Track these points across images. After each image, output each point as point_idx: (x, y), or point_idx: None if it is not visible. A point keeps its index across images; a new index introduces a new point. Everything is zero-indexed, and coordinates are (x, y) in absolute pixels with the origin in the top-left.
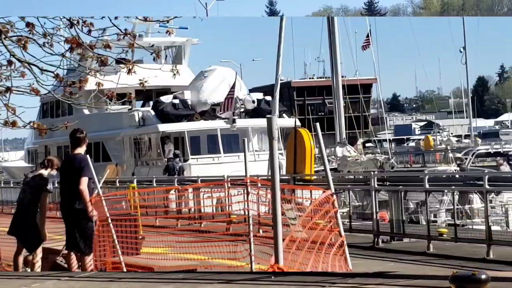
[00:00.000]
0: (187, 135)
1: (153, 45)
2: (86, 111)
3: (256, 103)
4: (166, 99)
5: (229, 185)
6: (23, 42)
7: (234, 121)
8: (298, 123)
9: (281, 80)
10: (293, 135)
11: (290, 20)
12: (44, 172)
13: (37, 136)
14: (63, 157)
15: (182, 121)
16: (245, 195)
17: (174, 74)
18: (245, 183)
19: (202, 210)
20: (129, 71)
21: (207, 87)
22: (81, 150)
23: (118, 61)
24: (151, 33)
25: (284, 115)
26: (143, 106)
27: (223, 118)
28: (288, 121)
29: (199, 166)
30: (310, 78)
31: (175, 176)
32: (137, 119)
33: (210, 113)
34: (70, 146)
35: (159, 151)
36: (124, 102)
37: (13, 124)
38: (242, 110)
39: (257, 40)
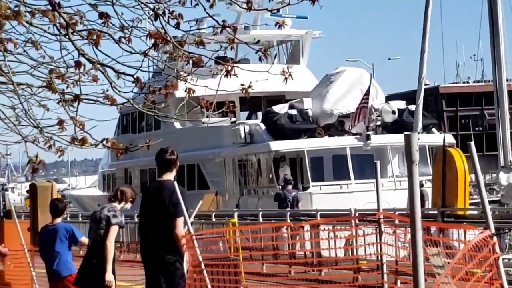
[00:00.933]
0: (307, 156)
1: (258, 41)
2: (177, 125)
3: (397, 114)
4: (280, 109)
5: (357, 221)
6: (94, 37)
7: (368, 137)
8: (452, 140)
9: (425, 84)
10: (441, 157)
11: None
12: (117, 206)
13: (115, 157)
14: (147, 184)
15: (301, 137)
16: (378, 235)
17: (286, 78)
18: (377, 220)
19: (322, 254)
20: (227, 73)
21: (333, 93)
22: (171, 175)
23: (217, 61)
24: (259, 25)
25: (433, 129)
26: (249, 118)
27: (354, 134)
28: (438, 138)
29: (323, 196)
30: (464, 82)
31: (288, 209)
32: (242, 134)
33: (337, 127)
34: (157, 170)
35: (271, 176)
36: (225, 113)
37: (82, 142)
38: (379, 123)
39: (393, 33)
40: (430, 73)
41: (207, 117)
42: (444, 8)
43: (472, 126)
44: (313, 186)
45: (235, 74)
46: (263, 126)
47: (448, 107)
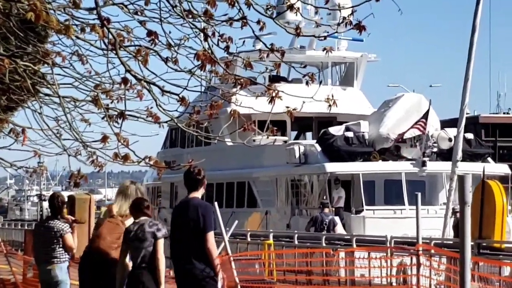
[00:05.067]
0: (361, 179)
1: (305, 66)
2: (228, 142)
3: (453, 142)
4: (337, 131)
5: (392, 250)
6: (142, 54)
7: (424, 163)
8: (507, 170)
9: (466, 114)
10: (480, 188)
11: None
12: (151, 219)
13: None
14: (176, 203)
15: (356, 160)
16: (416, 266)
17: (330, 106)
18: (416, 251)
19: (357, 281)
20: (271, 100)
21: (390, 118)
22: (199, 193)
23: (271, 80)
24: (314, 49)
25: (488, 159)
26: (297, 138)
27: (409, 159)
28: (494, 168)
29: (376, 221)
30: (505, 113)
31: (324, 232)
32: (297, 154)
33: (393, 151)
34: (187, 190)
35: (325, 197)
36: (275, 132)
37: (125, 159)
38: (435, 150)
39: (436, 60)
40: (470, 102)
41: (261, 136)
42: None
43: (511, 157)
44: (366, 209)
45: (279, 97)
46: (318, 147)
47: (487, 137)
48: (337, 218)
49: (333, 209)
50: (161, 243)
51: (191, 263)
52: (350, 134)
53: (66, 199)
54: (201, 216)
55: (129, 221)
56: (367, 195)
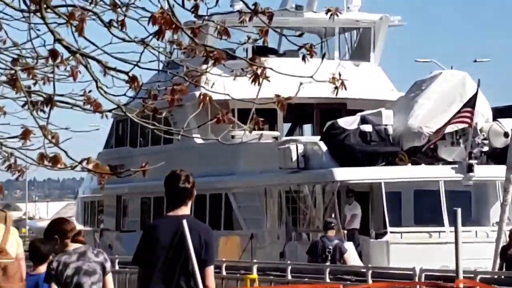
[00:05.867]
0: (384, 190)
1: (301, 34)
2: (197, 139)
3: (509, 138)
4: (349, 123)
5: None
6: (77, 17)
7: (470, 168)
8: None
9: None
10: None
11: None
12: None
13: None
14: (154, 221)
15: (376, 164)
16: None
17: (337, 88)
18: None
19: None
20: (255, 78)
21: (423, 106)
22: (187, 209)
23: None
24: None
25: None
26: (290, 132)
27: (450, 163)
28: None
29: (404, 248)
30: None
31: (327, 263)
32: (294, 156)
33: (427, 152)
34: (167, 201)
35: (333, 215)
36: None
37: (54, 162)
38: (486, 149)
39: (482, 25)
40: None
41: (237, 129)
42: None
43: None
44: (391, 232)
45: (266, 77)
46: (323, 146)
47: None
48: (349, 244)
49: (345, 231)
50: (110, 279)
51: None
52: (367, 127)
53: None
54: (203, 243)
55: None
56: (392, 212)
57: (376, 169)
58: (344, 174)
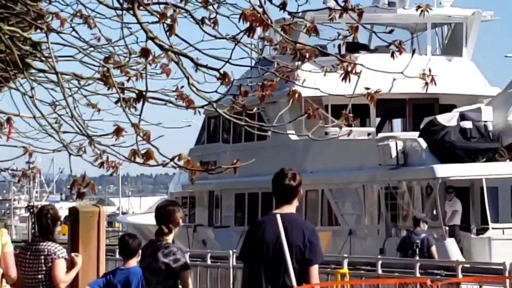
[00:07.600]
0: (485, 186)
1: (392, 31)
2: (292, 135)
3: None
4: (449, 119)
5: None
6: (170, 15)
7: None
8: None
9: None
10: None
11: None
12: (170, 243)
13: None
14: (260, 218)
15: (477, 160)
16: None
17: (426, 84)
18: None
19: None
20: (345, 76)
21: None
22: (293, 208)
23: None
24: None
25: None
26: (380, 127)
27: None
28: None
29: (507, 244)
30: None
31: (416, 258)
32: (394, 153)
33: None
34: (275, 200)
35: (434, 212)
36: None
37: (147, 157)
38: None
39: None
40: None
41: (330, 126)
42: None
43: None
44: (493, 228)
45: (357, 73)
46: (423, 143)
47: None
48: (450, 241)
49: (446, 228)
50: (186, 275)
51: None
52: (467, 124)
53: (60, 215)
54: (307, 241)
55: None
56: (494, 208)
57: (477, 165)
58: (446, 170)
